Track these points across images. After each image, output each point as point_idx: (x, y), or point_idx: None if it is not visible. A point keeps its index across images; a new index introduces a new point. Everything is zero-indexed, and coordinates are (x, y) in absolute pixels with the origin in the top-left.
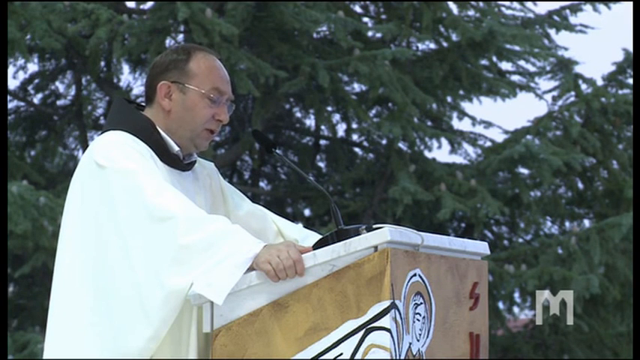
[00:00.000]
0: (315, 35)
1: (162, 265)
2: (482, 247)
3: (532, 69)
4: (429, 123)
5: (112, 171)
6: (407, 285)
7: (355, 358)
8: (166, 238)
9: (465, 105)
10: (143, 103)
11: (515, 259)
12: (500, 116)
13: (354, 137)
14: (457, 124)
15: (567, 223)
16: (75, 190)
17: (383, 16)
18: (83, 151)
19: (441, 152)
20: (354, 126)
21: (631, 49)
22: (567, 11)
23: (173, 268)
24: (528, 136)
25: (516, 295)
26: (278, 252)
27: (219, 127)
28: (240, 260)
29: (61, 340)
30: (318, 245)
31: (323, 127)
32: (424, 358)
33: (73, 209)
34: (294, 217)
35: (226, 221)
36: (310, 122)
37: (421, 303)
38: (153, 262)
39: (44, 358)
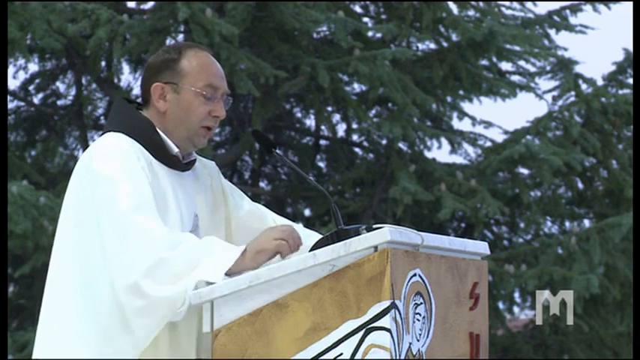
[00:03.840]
0: (315, 35)
1: (140, 275)
2: (482, 247)
3: (532, 69)
4: (429, 123)
5: (100, 176)
6: (407, 285)
7: (355, 358)
8: (147, 250)
9: (465, 105)
10: None
11: (515, 259)
12: (500, 116)
13: (354, 137)
14: (457, 124)
15: (567, 223)
16: (69, 192)
17: (383, 16)
18: (83, 151)
19: (441, 152)
20: (354, 126)
21: (631, 49)
22: (567, 11)
23: (152, 278)
24: (528, 136)
25: (516, 295)
26: (270, 233)
27: (216, 123)
28: (230, 253)
29: (51, 346)
30: (318, 245)
31: (323, 127)
32: (424, 358)
33: (66, 212)
34: (294, 217)
35: (207, 239)
36: (310, 122)
37: (421, 303)
38: (132, 272)
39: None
